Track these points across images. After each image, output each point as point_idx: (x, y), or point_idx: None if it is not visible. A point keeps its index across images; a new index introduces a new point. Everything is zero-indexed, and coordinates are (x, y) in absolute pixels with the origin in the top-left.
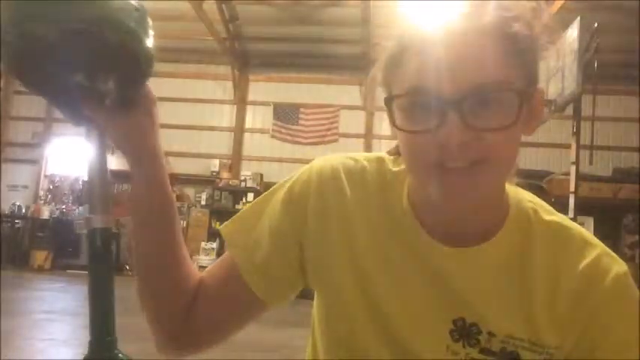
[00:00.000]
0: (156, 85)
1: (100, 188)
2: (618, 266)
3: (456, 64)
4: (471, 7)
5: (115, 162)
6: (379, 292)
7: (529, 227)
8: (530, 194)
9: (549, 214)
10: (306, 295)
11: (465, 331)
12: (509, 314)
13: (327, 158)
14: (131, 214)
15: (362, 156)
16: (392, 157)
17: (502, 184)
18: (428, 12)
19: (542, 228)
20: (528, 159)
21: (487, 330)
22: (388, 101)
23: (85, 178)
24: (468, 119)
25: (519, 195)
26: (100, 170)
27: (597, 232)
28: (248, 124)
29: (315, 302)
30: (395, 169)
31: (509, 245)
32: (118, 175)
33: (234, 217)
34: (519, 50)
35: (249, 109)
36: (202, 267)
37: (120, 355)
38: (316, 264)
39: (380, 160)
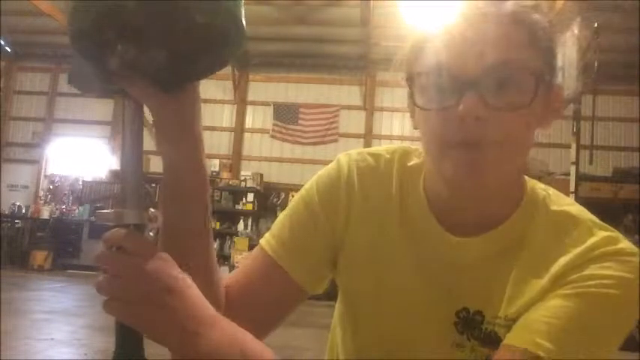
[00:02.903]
0: None
1: (134, 179)
2: (625, 245)
3: (476, 44)
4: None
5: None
6: (388, 285)
7: (537, 213)
8: (548, 186)
9: (561, 205)
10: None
11: (468, 322)
12: (513, 296)
13: (352, 154)
14: (166, 205)
15: (383, 150)
16: (417, 149)
17: (514, 170)
18: (434, 9)
19: (547, 216)
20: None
21: (491, 315)
22: (410, 79)
23: (118, 168)
24: (487, 97)
25: (532, 184)
26: (134, 157)
27: None
28: (248, 124)
29: (338, 303)
30: (410, 163)
31: (517, 230)
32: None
33: (272, 228)
34: (537, 38)
35: (249, 109)
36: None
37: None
38: (342, 256)
39: (396, 153)
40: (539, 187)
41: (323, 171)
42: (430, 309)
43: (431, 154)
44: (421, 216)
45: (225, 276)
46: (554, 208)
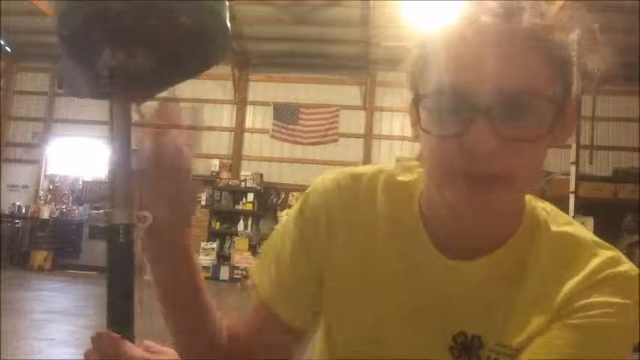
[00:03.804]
0: None
1: (122, 179)
2: (627, 267)
3: (489, 67)
4: (505, 9)
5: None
6: (378, 308)
7: (538, 235)
8: (546, 203)
9: (560, 225)
10: None
11: (465, 346)
12: (511, 323)
13: (329, 177)
14: (162, 304)
15: (365, 169)
16: (402, 166)
17: (520, 199)
18: (451, 12)
19: (549, 238)
20: None
21: (489, 342)
22: (415, 101)
23: (107, 168)
24: (499, 126)
25: (533, 203)
26: (123, 158)
27: (597, 232)
28: (248, 124)
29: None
30: (404, 178)
31: (515, 252)
32: None
33: (258, 259)
34: (556, 59)
35: (249, 109)
36: (203, 267)
37: None
38: (328, 284)
39: (381, 172)
40: (540, 207)
41: (302, 199)
42: (423, 333)
43: (433, 178)
44: (414, 234)
45: (225, 276)
46: (554, 229)
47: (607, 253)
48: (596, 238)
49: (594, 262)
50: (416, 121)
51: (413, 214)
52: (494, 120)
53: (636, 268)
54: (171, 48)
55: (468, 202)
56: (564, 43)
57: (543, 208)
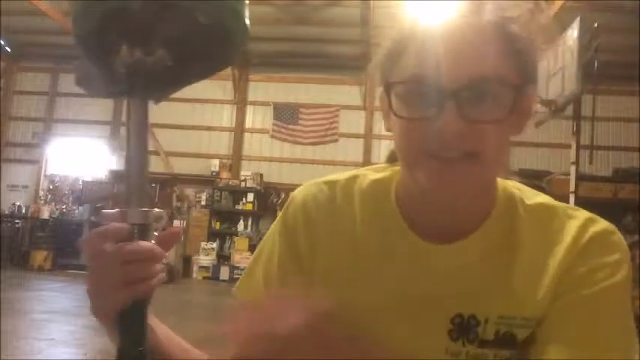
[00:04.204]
0: None
1: (138, 179)
2: (604, 225)
3: (457, 56)
4: (471, 6)
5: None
6: (372, 305)
7: (516, 211)
8: (514, 182)
9: (533, 197)
10: None
11: (463, 327)
12: (500, 294)
13: (305, 186)
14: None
15: (340, 175)
16: (375, 168)
17: (491, 179)
18: (428, 9)
19: (527, 210)
20: (528, 159)
21: (484, 317)
22: (387, 88)
23: (119, 168)
24: (465, 110)
25: (503, 184)
26: (139, 157)
27: None
28: (248, 124)
29: None
30: (378, 176)
31: (497, 230)
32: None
33: (243, 275)
34: (516, 50)
35: (249, 109)
36: (203, 267)
37: None
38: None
39: (355, 176)
40: (510, 185)
41: (282, 212)
42: (419, 322)
43: (404, 161)
44: (394, 226)
45: (225, 276)
46: (529, 202)
47: (580, 214)
48: (568, 206)
49: (574, 226)
50: (387, 112)
51: (390, 206)
52: (461, 104)
53: (611, 225)
54: (189, 47)
55: (439, 180)
56: (523, 37)
57: (513, 186)
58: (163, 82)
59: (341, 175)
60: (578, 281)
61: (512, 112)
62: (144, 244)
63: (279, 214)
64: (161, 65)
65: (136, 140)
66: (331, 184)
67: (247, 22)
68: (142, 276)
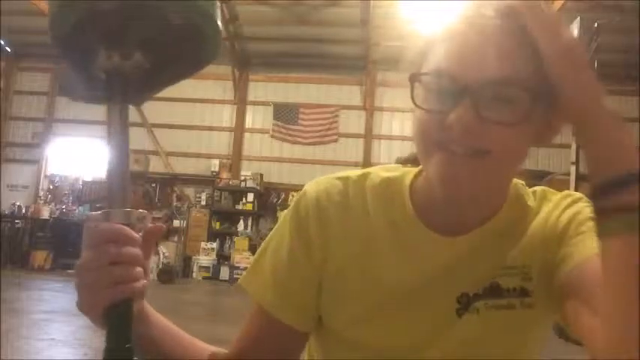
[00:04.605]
0: None
1: (120, 180)
2: (579, 197)
3: (481, 55)
4: (503, 9)
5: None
6: (384, 293)
7: (524, 204)
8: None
9: (529, 189)
10: None
11: (467, 305)
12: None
13: (317, 180)
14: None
15: (348, 173)
16: (386, 167)
17: (504, 180)
18: (450, 12)
19: (536, 199)
20: (528, 159)
21: (482, 287)
22: (413, 78)
23: (105, 169)
24: (480, 108)
25: (514, 181)
26: (120, 159)
27: None
28: (248, 124)
29: (312, 337)
30: (389, 174)
31: (506, 223)
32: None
33: (249, 267)
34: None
35: (249, 109)
36: (202, 267)
37: None
38: (327, 285)
39: (367, 173)
40: (517, 181)
41: (293, 205)
42: (428, 306)
43: (419, 151)
44: (406, 219)
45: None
46: (535, 191)
47: (538, 188)
48: (550, 190)
49: (556, 198)
50: (412, 97)
51: (403, 201)
52: (477, 102)
53: (581, 194)
54: (163, 48)
55: (445, 172)
56: None
57: (518, 183)
58: (142, 85)
59: (352, 172)
60: (569, 228)
61: (528, 118)
62: (131, 248)
63: (285, 211)
64: (139, 69)
65: (117, 143)
66: (344, 179)
67: (219, 22)
68: (126, 279)
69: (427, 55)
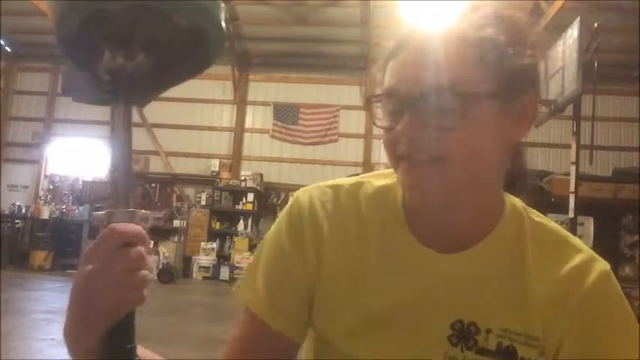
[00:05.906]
0: None
1: (124, 181)
2: (600, 266)
3: (415, 68)
4: (447, 17)
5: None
6: (375, 308)
7: (522, 224)
8: (518, 199)
9: (537, 216)
10: None
11: (463, 333)
12: (505, 307)
13: (310, 189)
14: None
15: (343, 180)
16: (377, 174)
17: (478, 185)
18: (425, 13)
19: (533, 226)
20: (528, 159)
21: (485, 327)
22: (367, 102)
23: (109, 169)
24: (420, 118)
25: (512, 200)
26: (124, 159)
27: (597, 232)
28: (248, 124)
29: (306, 343)
30: (382, 182)
31: (503, 241)
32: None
33: (242, 275)
34: (487, 58)
35: (249, 109)
36: (202, 267)
37: None
38: (319, 293)
39: (360, 183)
40: (516, 200)
41: (284, 212)
42: (420, 325)
43: (390, 165)
44: (399, 234)
45: (225, 276)
46: (536, 219)
47: (577, 256)
48: (569, 235)
49: (576, 262)
50: (373, 119)
51: (396, 213)
52: (416, 113)
53: (606, 264)
54: (168, 49)
55: (408, 182)
56: (502, 41)
57: (519, 203)
58: (146, 86)
59: (344, 180)
60: (588, 328)
61: (473, 121)
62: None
63: (280, 214)
64: (143, 70)
65: (121, 144)
66: (335, 187)
67: (223, 22)
68: (146, 283)
69: (383, 74)
